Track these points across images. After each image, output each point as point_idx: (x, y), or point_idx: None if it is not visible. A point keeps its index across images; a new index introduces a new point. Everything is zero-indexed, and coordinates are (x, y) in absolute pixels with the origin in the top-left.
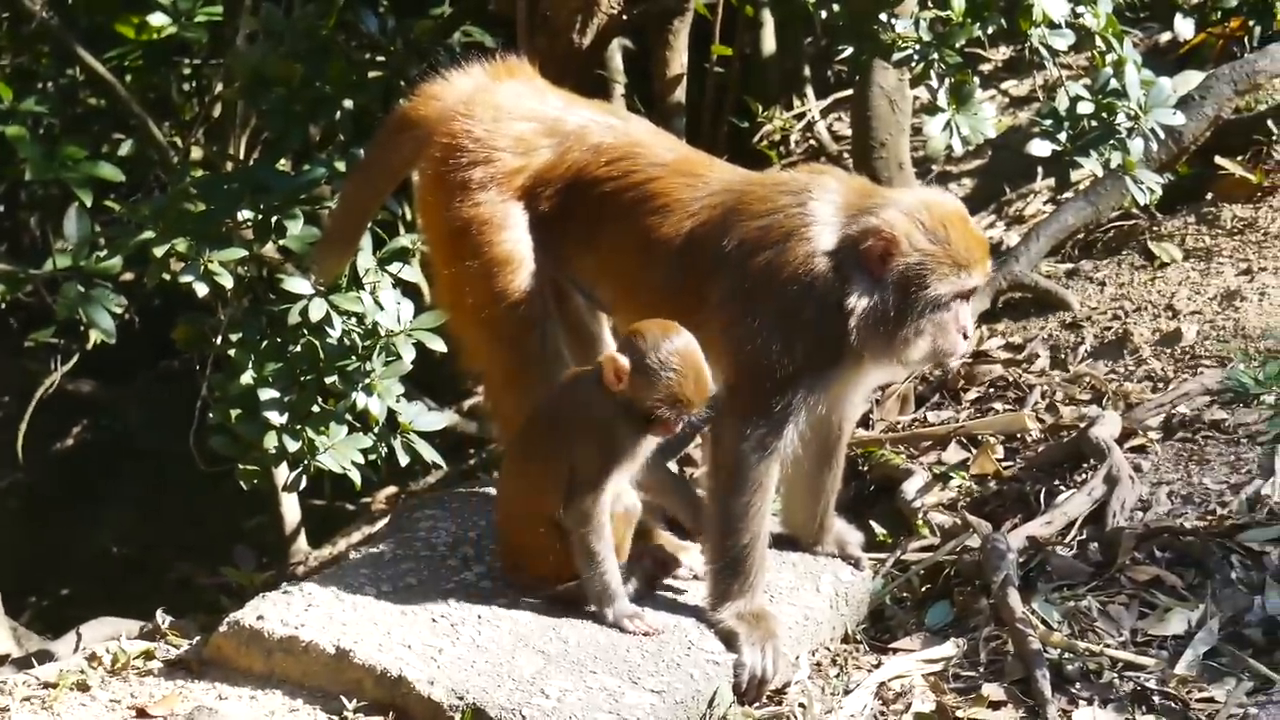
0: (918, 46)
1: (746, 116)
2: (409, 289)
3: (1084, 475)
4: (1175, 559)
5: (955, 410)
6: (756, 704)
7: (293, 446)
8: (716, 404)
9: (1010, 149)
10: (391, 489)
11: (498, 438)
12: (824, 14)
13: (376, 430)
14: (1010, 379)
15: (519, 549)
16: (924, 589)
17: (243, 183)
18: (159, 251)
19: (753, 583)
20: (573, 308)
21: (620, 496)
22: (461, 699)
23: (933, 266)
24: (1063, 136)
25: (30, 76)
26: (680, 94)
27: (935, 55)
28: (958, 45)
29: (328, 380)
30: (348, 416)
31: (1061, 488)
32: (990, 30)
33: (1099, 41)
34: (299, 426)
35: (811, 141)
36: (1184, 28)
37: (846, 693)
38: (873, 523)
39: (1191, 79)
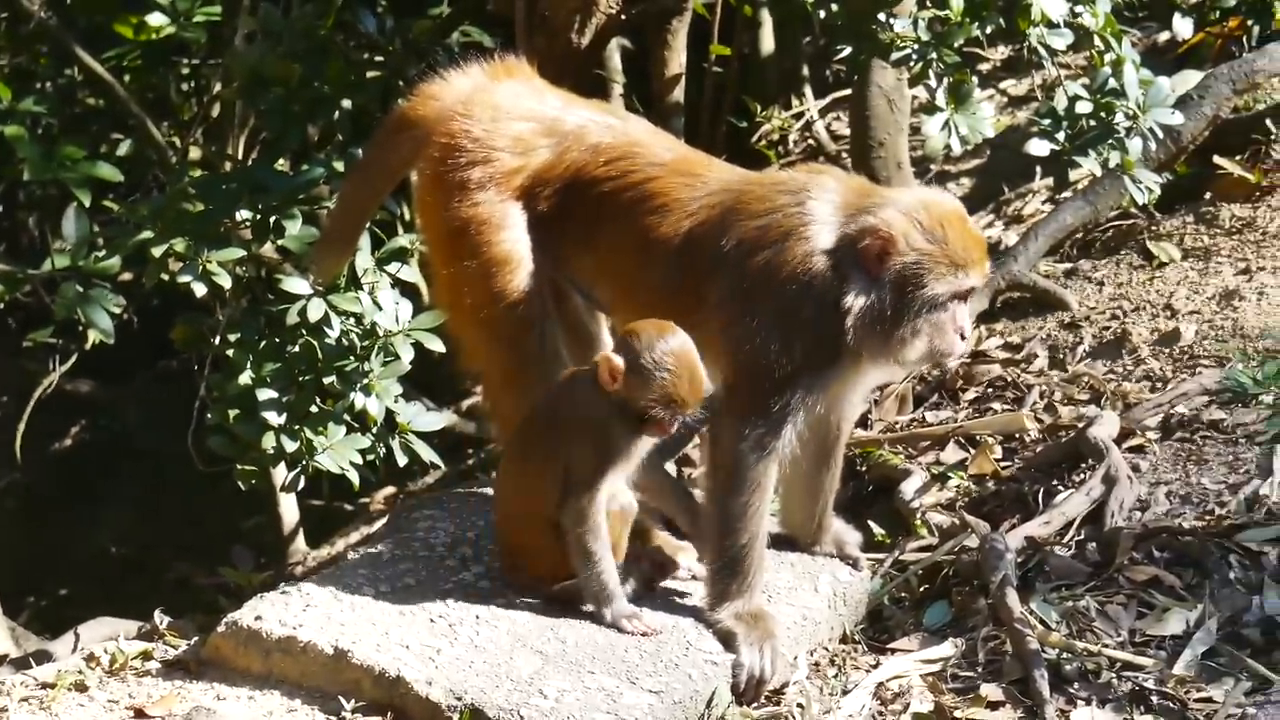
0: (916, 46)
1: (745, 116)
2: (407, 289)
3: (1082, 475)
4: (1173, 559)
5: (953, 410)
6: (755, 704)
7: (291, 447)
8: (714, 404)
9: (1009, 148)
10: (390, 489)
11: (496, 438)
12: (822, 13)
13: (375, 430)
14: (1008, 379)
15: (517, 549)
16: (922, 589)
17: (241, 183)
18: (157, 251)
19: (751, 583)
20: (571, 307)
21: (616, 496)
22: (460, 699)
23: (930, 266)
24: (1061, 136)
25: (29, 76)
26: (679, 94)
27: (934, 55)
28: (956, 45)
29: (326, 380)
30: (346, 417)
31: (1060, 488)
32: (988, 30)
33: (1097, 41)
34: (297, 427)
35: (810, 141)
36: (1182, 27)
37: (845, 693)
38: (871, 523)
39: (1190, 78)
